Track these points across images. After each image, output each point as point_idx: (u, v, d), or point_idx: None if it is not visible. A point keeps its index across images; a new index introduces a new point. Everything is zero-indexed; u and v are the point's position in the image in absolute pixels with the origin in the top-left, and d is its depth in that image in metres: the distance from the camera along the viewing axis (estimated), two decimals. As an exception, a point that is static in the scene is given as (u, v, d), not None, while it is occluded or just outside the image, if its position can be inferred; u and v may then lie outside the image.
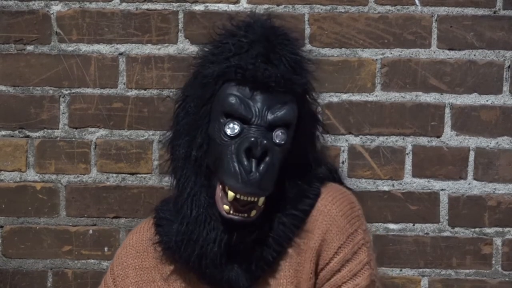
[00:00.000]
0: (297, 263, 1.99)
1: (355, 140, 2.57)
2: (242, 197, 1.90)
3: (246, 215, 1.93)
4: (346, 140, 2.57)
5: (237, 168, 1.88)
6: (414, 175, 2.57)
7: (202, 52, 2.03)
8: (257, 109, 1.92)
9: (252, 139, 1.89)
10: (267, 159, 1.88)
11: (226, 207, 1.93)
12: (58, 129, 2.59)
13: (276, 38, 1.97)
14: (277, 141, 1.94)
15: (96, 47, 2.57)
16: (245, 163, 1.87)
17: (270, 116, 1.93)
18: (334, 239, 1.98)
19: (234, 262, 1.97)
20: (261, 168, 1.87)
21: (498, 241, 2.58)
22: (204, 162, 1.98)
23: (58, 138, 2.60)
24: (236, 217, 1.93)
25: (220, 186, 1.94)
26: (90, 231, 2.61)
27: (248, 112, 1.92)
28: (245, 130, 1.92)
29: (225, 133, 1.93)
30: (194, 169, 2.00)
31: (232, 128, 1.93)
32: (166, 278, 2.06)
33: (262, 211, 1.96)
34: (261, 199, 1.92)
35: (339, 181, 2.11)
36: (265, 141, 1.89)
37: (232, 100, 1.93)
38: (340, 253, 1.98)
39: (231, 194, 1.90)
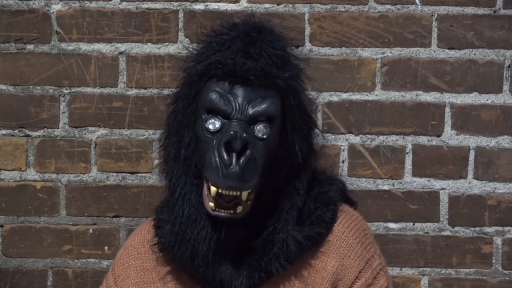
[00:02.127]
0: (308, 280, 1.99)
1: (355, 139, 2.57)
2: (224, 192, 1.88)
3: (232, 211, 1.92)
4: (346, 139, 2.57)
5: (218, 163, 1.87)
6: (414, 174, 2.57)
7: (191, 53, 2.04)
8: (237, 104, 1.92)
9: (232, 132, 1.87)
10: (248, 152, 1.86)
11: (211, 204, 1.92)
12: (58, 128, 2.59)
13: (258, 34, 1.97)
14: (259, 135, 1.92)
15: (96, 46, 2.57)
16: (225, 157, 1.86)
17: (250, 110, 1.92)
18: (353, 264, 2.00)
19: (231, 265, 1.97)
20: (241, 161, 1.86)
21: (498, 240, 2.58)
22: (193, 161, 1.98)
23: (58, 137, 2.60)
24: (222, 214, 1.92)
25: (206, 183, 1.94)
26: (90, 230, 2.61)
27: (228, 106, 1.91)
28: (226, 125, 1.91)
29: (207, 129, 1.92)
30: (184, 169, 1.99)
31: (213, 123, 1.92)
32: (163, 279, 2.06)
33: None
34: (244, 194, 1.90)
35: (349, 200, 2.14)
36: (244, 134, 1.87)
37: (212, 95, 1.92)
38: (362, 278, 2.00)
39: (213, 189, 1.89)
